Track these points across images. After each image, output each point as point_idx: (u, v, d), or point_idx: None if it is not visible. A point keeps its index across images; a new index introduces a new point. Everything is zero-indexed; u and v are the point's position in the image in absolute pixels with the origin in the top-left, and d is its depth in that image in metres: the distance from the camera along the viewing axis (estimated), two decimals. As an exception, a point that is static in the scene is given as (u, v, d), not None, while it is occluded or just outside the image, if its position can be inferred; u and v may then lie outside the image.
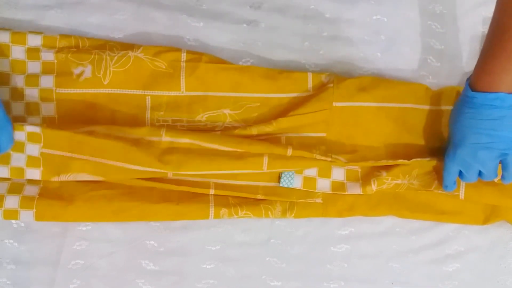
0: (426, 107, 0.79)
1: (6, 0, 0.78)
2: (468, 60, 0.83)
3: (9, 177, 0.70)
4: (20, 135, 0.70)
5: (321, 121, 0.77)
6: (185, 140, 0.72)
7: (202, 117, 0.76)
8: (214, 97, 0.76)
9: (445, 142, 0.78)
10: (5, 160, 0.70)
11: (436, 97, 0.79)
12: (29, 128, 0.70)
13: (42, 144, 0.70)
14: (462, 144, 0.71)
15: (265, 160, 0.73)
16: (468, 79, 0.72)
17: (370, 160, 0.76)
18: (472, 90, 0.69)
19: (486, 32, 0.79)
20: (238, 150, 0.72)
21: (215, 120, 0.76)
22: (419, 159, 0.75)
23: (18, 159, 0.70)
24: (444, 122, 0.79)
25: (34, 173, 0.71)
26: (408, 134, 0.79)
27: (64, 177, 0.71)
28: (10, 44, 0.73)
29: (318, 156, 0.74)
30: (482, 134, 0.70)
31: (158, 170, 0.71)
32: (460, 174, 0.74)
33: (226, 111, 0.76)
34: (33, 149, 0.70)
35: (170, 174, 0.72)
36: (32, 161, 0.70)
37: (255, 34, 0.80)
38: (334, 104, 0.77)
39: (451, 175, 0.74)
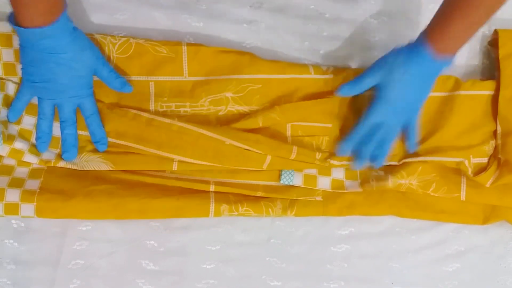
0: None
1: (6, 0, 0.78)
2: (468, 60, 0.83)
3: (26, 151, 0.71)
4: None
5: (325, 111, 0.77)
6: (194, 128, 0.72)
7: (205, 101, 0.77)
8: (216, 80, 0.76)
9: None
10: (28, 136, 0.72)
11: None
12: None
13: None
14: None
15: (268, 159, 0.73)
16: (424, 32, 0.69)
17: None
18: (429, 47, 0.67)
19: (486, 32, 0.79)
20: (245, 147, 0.72)
21: (217, 104, 0.77)
22: (408, 159, 0.76)
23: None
24: (438, 109, 0.79)
25: (51, 153, 0.72)
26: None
27: (76, 159, 0.72)
28: (12, 33, 0.73)
29: (318, 162, 0.75)
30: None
31: (166, 154, 0.72)
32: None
33: (229, 94, 0.77)
34: (56, 129, 0.72)
35: (174, 166, 0.73)
36: (52, 141, 0.72)
37: (255, 34, 0.81)
38: (336, 93, 0.77)
39: None
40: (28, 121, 0.72)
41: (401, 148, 0.78)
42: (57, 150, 0.73)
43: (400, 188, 0.76)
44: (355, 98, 0.78)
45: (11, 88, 0.72)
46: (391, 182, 0.75)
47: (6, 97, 0.72)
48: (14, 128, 0.72)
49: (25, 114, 0.72)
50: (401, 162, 0.76)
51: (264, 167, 0.74)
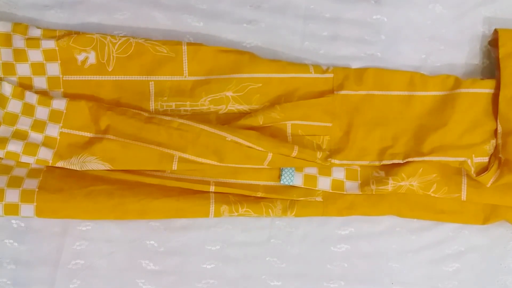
0: (420, 94, 0.79)
1: (6, 0, 0.78)
2: (468, 60, 0.83)
3: (21, 153, 0.71)
4: (44, 112, 0.73)
5: (326, 110, 0.77)
6: (195, 125, 0.72)
7: (205, 100, 0.77)
8: (216, 79, 0.77)
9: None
10: (22, 137, 0.72)
11: (432, 83, 0.79)
12: (55, 104, 0.73)
13: (61, 124, 0.73)
14: None
15: (269, 157, 0.73)
16: None
17: (370, 154, 0.77)
18: None
19: (486, 32, 0.78)
20: (247, 143, 0.73)
21: (218, 103, 0.77)
22: (411, 159, 0.75)
23: (35, 139, 0.72)
24: (440, 107, 0.79)
25: (47, 153, 0.72)
26: (411, 121, 0.79)
27: (74, 160, 0.72)
28: (12, 33, 0.74)
29: (319, 161, 0.75)
30: None
31: (167, 150, 0.72)
32: None
33: (229, 94, 0.77)
34: (53, 129, 0.73)
35: (174, 166, 0.73)
36: (48, 141, 0.73)
37: (255, 34, 0.81)
38: (335, 92, 0.77)
39: None
40: (25, 122, 0.72)
41: (405, 147, 0.77)
42: (54, 150, 0.73)
43: (400, 190, 0.76)
44: (355, 97, 0.78)
45: (7, 89, 0.72)
46: (391, 186, 0.75)
47: (2, 97, 0.72)
48: (8, 130, 0.72)
49: (22, 114, 0.72)
50: (405, 161, 0.76)
51: (265, 164, 0.74)
